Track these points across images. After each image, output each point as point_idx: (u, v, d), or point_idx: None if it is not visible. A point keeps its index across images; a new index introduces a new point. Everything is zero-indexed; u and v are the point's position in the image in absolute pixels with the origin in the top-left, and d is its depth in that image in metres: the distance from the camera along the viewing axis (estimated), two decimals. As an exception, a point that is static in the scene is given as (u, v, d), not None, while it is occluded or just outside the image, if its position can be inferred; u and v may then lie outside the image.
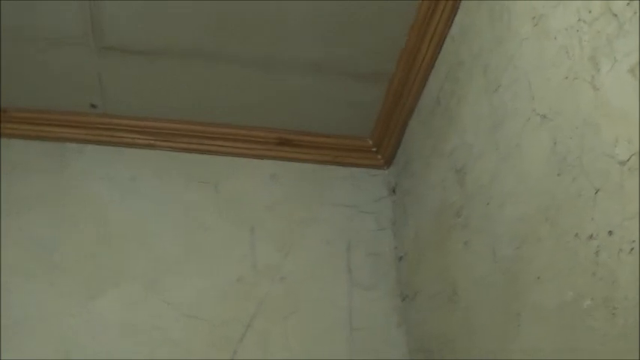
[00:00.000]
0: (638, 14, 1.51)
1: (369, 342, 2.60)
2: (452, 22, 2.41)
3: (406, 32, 2.54)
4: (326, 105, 2.82)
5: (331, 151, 2.94)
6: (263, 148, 2.90)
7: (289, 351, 2.53)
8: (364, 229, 2.83)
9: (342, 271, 2.71)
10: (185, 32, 2.53)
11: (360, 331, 2.61)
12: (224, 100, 2.80)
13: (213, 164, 2.87)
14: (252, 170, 2.87)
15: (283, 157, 2.91)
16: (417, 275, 2.62)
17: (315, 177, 2.91)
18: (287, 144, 2.90)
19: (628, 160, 1.53)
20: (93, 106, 2.77)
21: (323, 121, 2.89)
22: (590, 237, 1.63)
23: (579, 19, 1.72)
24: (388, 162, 2.97)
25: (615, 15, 1.58)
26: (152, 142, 2.85)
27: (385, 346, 2.60)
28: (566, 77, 1.77)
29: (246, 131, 2.89)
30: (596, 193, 1.63)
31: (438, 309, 2.40)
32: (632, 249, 1.49)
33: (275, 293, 2.64)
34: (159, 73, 2.68)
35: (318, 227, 2.80)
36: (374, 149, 2.96)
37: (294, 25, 2.51)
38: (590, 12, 1.67)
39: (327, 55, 2.63)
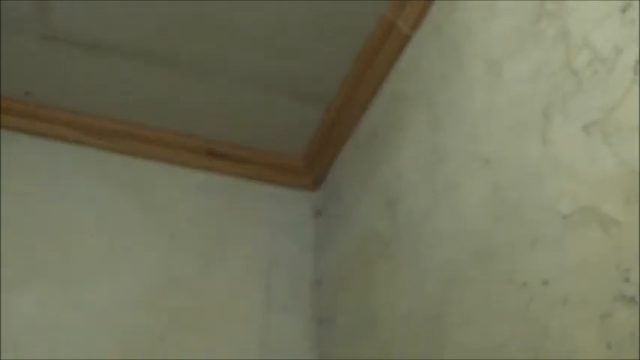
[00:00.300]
0: (598, 74, 1.55)
1: (281, 364, 2.58)
2: (401, 53, 2.43)
3: (353, 57, 2.55)
4: (262, 120, 2.80)
5: (260, 168, 2.91)
6: (193, 157, 2.84)
7: (203, 369, 2.49)
8: (285, 250, 2.80)
9: (259, 290, 2.68)
10: (133, 30, 2.47)
11: (272, 353, 2.58)
12: (162, 104, 2.74)
13: (140, 168, 2.79)
14: (180, 178, 2.81)
15: (212, 169, 2.86)
16: (335, 302, 2.61)
17: (241, 192, 2.87)
18: (217, 155, 2.86)
19: (571, 215, 1.57)
20: (27, 93, 2.65)
21: (256, 136, 2.87)
22: (524, 285, 1.66)
23: (536, 71, 1.75)
24: (317, 184, 2.96)
25: (575, 72, 1.62)
26: (83, 138, 2.75)
27: (296, 370, 2.59)
28: (516, 125, 1.80)
29: (178, 138, 2.84)
30: (534, 242, 1.66)
31: (355, 338, 2.40)
32: (567, 301, 1.53)
33: (190, 306, 2.57)
34: (100, 69, 2.60)
35: (239, 243, 2.75)
36: (304, 170, 2.96)
37: (243, 35, 2.48)
38: (548, 65, 1.71)
39: (270, 70, 2.62)
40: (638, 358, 1.29)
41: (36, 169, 2.70)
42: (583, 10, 1.62)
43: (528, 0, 1.82)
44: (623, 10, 1.49)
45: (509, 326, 1.68)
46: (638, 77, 1.43)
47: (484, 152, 1.91)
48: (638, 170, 1.39)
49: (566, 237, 1.57)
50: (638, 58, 1.44)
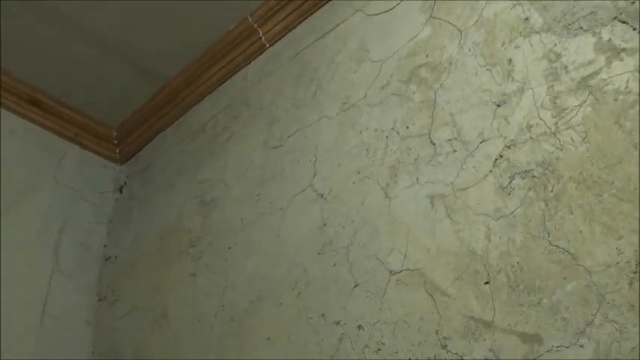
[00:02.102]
0: (456, 153, 1.67)
1: (57, 330, 2.48)
2: (254, 61, 2.44)
3: (202, 47, 2.53)
4: (92, 82, 2.69)
5: (75, 128, 2.80)
6: (13, 101, 2.67)
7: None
8: (81, 217, 2.71)
9: (49, 251, 2.57)
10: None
11: (51, 318, 2.49)
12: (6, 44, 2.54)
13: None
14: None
15: (29, 117, 2.71)
16: (124, 282, 2.56)
17: (52, 147, 2.74)
18: (38, 105, 2.71)
19: (399, 272, 1.68)
20: None
21: (82, 96, 2.74)
22: (337, 323, 1.75)
23: (393, 128, 1.85)
24: (125, 159, 2.89)
25: (433, 143, 1.74)
26: None
27: (71, 339, 2.50)
28: (358, 172, 1.89)
29: (5, 77, 2.64)
30: (355, 286, 1.75)
31: (141, 324, 2.37)
32: (379, 350, 1.63)
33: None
34: None
35: (38, 199, 2.62)
36: (115, 141, 2.88)
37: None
38: (407, 128, 1.81)
39: (119, 36, 2.52)
40: None
41: None
42: (457, 90, 1.73)
43: (402, 60, 1.91)
44: (498, 105, 1.63)
45: (314, 356, 1.76)
46: (497, 170, 1.57)
47: (320, 187, 1.98)
48: (477, 252, 1.53)
49: (389, 291, 1.68)
50: (500, 153, 1.58)
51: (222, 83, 2.54)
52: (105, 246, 2.73)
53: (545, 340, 1.35)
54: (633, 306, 1.26)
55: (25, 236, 2.54)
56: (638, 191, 1.34)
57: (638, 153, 1.36)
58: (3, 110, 2.65)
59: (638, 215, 1.32)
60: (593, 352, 1.28)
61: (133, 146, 2.86)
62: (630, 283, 1.29)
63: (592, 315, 1.31)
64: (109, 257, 2.69)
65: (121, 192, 2.82)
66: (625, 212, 1.34)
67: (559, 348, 1.33)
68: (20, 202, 2.57)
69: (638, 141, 1.37)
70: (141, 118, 2.79)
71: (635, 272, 1.29)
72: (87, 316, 2.57)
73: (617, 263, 1.32)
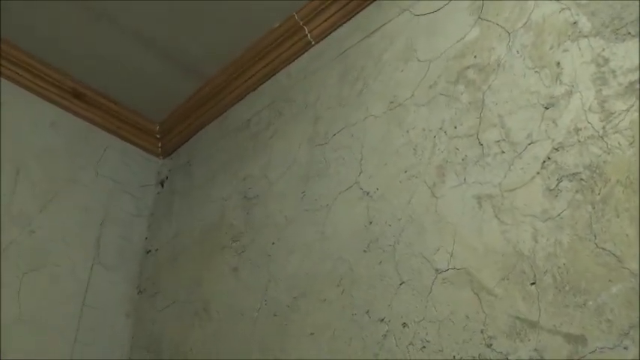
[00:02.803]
0: (504, 154, 1.69)
1: (96, 322, 2.53)
2: (298, 58, 2.47)
3: (246, 45, 2.56)
4: (136, 76, 2.73)
5: (117, 121, 2.85)
6: (56, 93, 2.72)
7: (18, 307, 2.38)
8: (122, 210, 2.76)
9: (90, 244, 2.62)
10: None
11: (91, 309, 2.54)
12: (40, 34, 2.60)
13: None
14: (37, 110, 2.68)
15: (71, 109, 2.76)
16: (164, 275, 2.61)
17: (93, 139, 2.79)
18: (80, 98, 2.76)
19: (445, 271, 1.70)
20: None
21: (124, 90, 2.79)
22: (382, 320, 1.77)
23: (441, 128, 1.87)
24: (167, 153, 2.94)
25: (481, 144, 1.76)
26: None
27: (111, 331, 2.56)
28: (405, 171, 1.91)
29: (49, 70, 2.70)
30: (401, 284, 1.78)
31: (181, 317, 2.41)
32: (424, 347, 1.66)
33: (21, 244, 2.46)
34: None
35: (79, 191, 2.67)
36: (158, 135, 2.93)
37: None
38: (455, 128, 1.83)
39: (165, 33, 2.56)
40: None
41: None
42: (505, 92, 1.75)
43: (450, 61, 1.93)
44: (547, 107, 1.64)
45: (359, 354, 1.78)
46: (545, 172, 1.59)
47: (365, 184, 2.00)
48: (524, 253, 1.55)
49: (435, 290, 1.70)
50: (548, 155, 1.60)
51: (266, 80, 2.57)
52: (146, 239, 2.78)
53: (590, 341, 1.37)
54: (677, 309, 1.27)
55: (67, 228, 2.59)
56: (684, 196, 1.35)
57: (685, 158, 1.38)
58: (47, 102, 2.68)
59: (684, 220, 1.34)
60: (637, 354, 1.30)
61: (175, 141, 2.90)
62: (675, 287, 1.31)
63: (636, 317, 1.32)
64: (150, 250, 2.74)
65: (163, 186, 2.86)
66: (671, 216, 1.36)
67: (603, 349, 1.35)
68: (62, 193, 2.61)
69: (685, 146, 1.38)
70: (184, 113, 2.83)
71: (680, 276, 1.31)
72: (127, 309, 2.63)
73: (663, 267, 1.33)
